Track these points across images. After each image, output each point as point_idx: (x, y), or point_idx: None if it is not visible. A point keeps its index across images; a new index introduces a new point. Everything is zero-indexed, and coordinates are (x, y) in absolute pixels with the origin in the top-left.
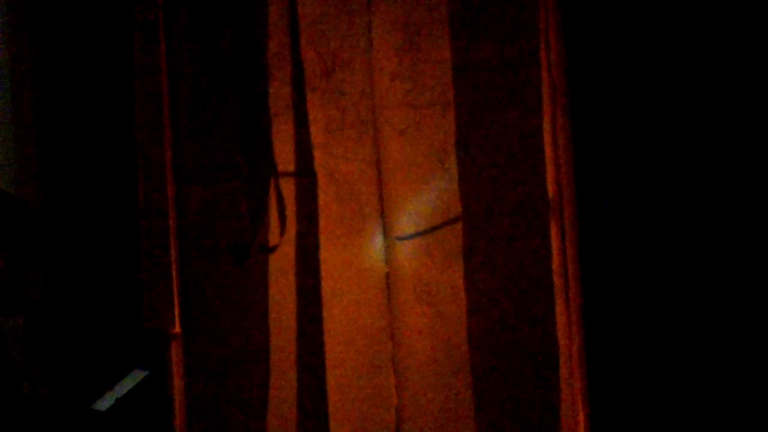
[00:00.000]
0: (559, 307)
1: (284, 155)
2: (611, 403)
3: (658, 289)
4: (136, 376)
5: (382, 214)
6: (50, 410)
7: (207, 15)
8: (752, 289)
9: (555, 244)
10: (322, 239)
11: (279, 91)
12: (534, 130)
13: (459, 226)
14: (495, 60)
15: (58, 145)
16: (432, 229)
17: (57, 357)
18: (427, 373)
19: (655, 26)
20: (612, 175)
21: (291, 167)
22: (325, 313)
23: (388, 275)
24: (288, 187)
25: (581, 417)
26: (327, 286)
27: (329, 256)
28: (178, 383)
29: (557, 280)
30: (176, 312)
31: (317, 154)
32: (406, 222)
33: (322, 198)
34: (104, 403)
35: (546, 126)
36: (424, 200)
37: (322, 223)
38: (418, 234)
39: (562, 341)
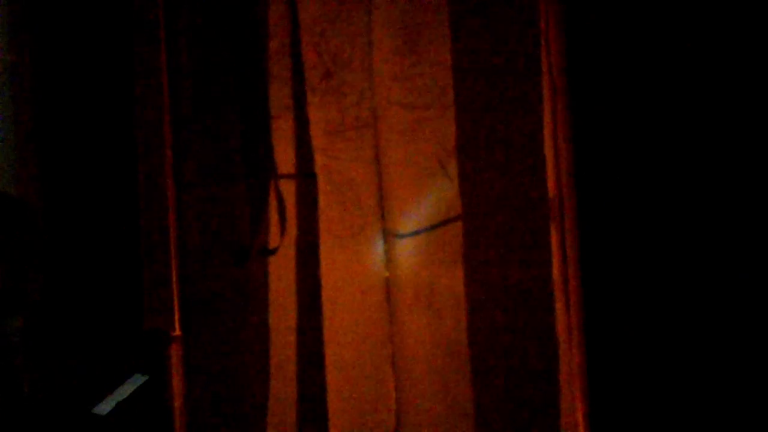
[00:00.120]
0: (560, 308)
1: (284, 156)
2: (611, 403)
3: (658, 288)
4: (136, 380)
5: (383, 216)
6: (50, 411)
7: (207, 16)
8: (753, 292)
9: (555, 244)
10: (322, 241)
11: (279, 92)
12: (534, 131)
13: (459, 227)
14: (495, 60)
15: (57, 145)
16: (433, 227)
17: (57, 358)
18: (426, 374)
19: (656, 26)
20: (613, 176)
21: (291, 168)
22: (324, 315)
23: (388, 276)
24: (288, 189)
25: (581, 417)
26: (327, 288)
27: (329, 258)
28: (177, 384)
29: (557, 280)
30: (176, 314)
31: (317, 155)
32: (407, 223)
33: (323, 199)
34: (104, 406)
35: (546, 126)
36: (424, 201)
37: (322, 224)
38: (419, 231)
39: (563, 342)
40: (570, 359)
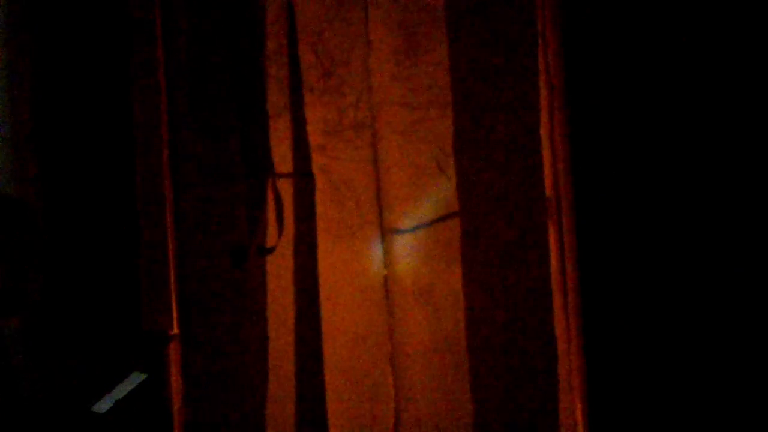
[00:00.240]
0: (558, 306)
1: (282, 156)
2: (610, 403)
3: (657, 288)
4: (135, 379)
5: (380, 215)
6: (49, 411)
7: (205, 16)
8: (752, 291)
9: (553, 243)
10: (320, 240)
11: (277, 92)
12: (532, 130)
13: (457, 225)
14: (493, 60)
15: (57, 145)
16: (431, 223)
17: (56, 358)
18: (425, 372)
19: (653, 25)
20: (610, 175)
21: (289, 168)
22: (323, 314)
23: (386, 275)
24: (286, 189)
25: (580, 417)
26: (325, 287)
27: (327, 257)
28: (176, 384)
29: (556, 280)
30: (174, 313)
31: (315, 155)
32: (404, 222)
33: (320, 199)
34: (103, 405)
35: (544, 125)
36: (422, 201)
37: (320, 224)
38: (417, 227)
39: (561, 341)
40: (569, 357)
